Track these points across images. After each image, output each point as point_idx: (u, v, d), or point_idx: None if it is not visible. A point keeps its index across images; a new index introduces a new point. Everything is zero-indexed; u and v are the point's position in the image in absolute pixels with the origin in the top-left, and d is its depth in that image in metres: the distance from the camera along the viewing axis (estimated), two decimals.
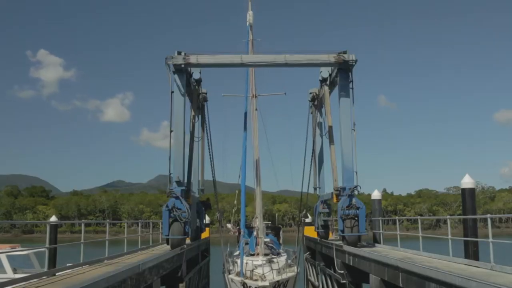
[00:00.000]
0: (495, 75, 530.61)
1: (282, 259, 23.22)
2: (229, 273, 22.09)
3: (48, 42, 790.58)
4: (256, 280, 19.90)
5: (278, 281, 19.90)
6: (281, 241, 32.29)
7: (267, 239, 27.22)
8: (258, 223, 25.21)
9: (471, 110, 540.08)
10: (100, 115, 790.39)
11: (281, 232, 33.75)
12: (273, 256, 23.59)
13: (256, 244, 24.15)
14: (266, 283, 19.40)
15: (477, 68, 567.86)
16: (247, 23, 29.26)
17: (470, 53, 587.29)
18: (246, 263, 20.76)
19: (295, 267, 23.23)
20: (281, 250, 27.80)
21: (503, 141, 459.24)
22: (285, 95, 32.23)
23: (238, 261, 22.04)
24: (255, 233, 25.26)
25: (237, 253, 26.89)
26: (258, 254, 23.33)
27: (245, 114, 25.72)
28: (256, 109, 28.65)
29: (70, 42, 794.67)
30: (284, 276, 20.65)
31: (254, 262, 21.04)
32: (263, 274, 20.19)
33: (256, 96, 29.22)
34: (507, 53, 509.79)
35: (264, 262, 21.31)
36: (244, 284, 19.87)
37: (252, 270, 20.46)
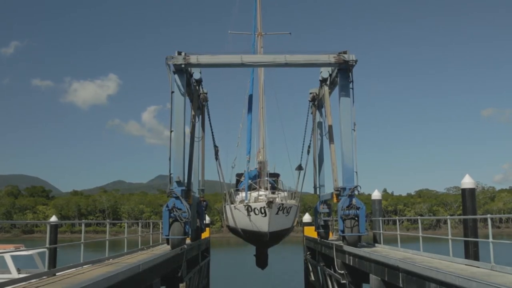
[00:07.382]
0: (480, 75, 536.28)
1: (284, 193, 23.30)
2: (232, 203, 21.88)
3: (45, 38, 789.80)
4: (261, 202, 19.71)
5: (282, 204, 19.80)
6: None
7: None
8: (261, 157, 24.90)
9: (460, 109, 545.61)
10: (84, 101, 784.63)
11: (280, 179, 33.70)
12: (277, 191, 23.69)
13: (259, 177, 23.89)
14: (274, 196, 19.24)
15: (463, 68, 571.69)
16: None
17: (456, 53, 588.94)
18: (250, 193, 20.59)
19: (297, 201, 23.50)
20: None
21: (503, 140, 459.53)
22: (289, 34, 32.03)
23: (241, 193, 21.84)
24: (257, 166, 24.94)
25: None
26: (261, 187, 23.13)
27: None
28: (262, 47, 28.78)
29: (68, 41, 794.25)
30: (288, 203, 20.61)
31: (259, 192, 20.91)
32: (267, 195, 20.09)
33: (262, 35, 29.18)
34: (492, 53, 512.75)
35: (268, 192, 21.28)
36: (248, 207, 19.54)
37: (257, 197, 20.32)
